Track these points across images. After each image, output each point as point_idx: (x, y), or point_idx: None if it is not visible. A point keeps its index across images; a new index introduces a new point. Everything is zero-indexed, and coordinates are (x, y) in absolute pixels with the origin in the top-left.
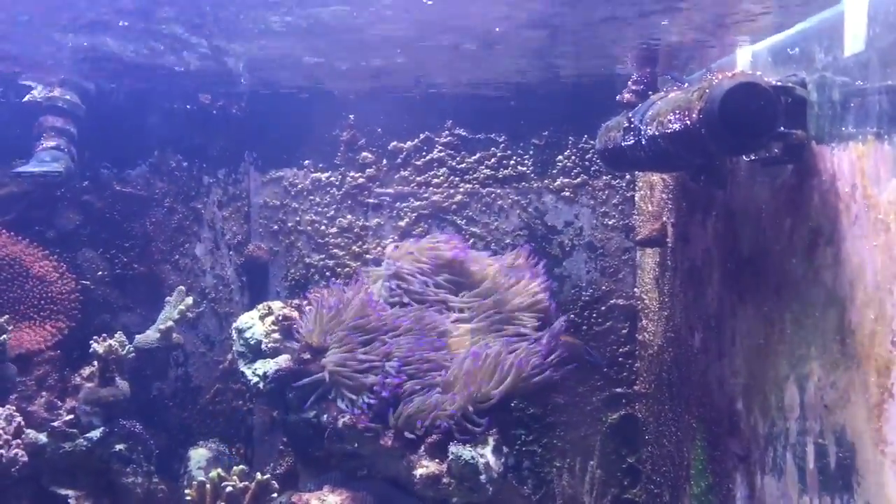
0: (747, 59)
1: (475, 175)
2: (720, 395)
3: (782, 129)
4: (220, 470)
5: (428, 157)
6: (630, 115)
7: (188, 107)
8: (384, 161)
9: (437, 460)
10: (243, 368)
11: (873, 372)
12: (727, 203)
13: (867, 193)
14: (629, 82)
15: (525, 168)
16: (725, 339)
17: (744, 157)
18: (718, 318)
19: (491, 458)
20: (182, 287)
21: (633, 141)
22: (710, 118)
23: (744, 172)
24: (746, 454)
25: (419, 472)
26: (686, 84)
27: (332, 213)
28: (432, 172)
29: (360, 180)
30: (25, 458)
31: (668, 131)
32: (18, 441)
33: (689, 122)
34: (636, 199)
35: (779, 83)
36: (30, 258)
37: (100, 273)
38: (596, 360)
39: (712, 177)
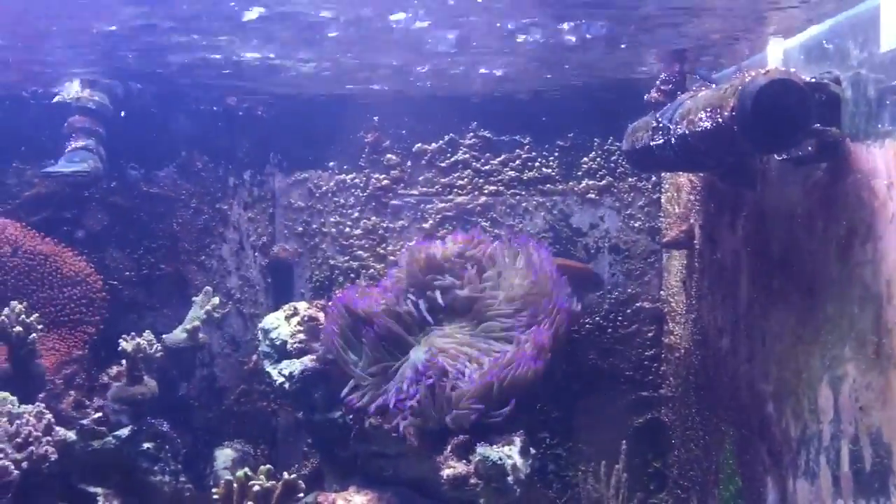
0: (779, 56)
1: (500, 177)
2: (750, 398)
3: (817, 126)
4: (247, 469)
5: (452, 159)
6: (659, 114)
7: (214, 109)
8: (409, 163)
9: (463, 461)
10: (269, 369)
11: None
12: (757, 203)
13: None
14: (657, 82)
15: (550, 170)
16: (755, 341)
17: (776, 156)
18: (748, 320)
19: (518, 460)
20: (209, 287)
21: (661, 140)
22: (743, 115)
23: (774, 172)
24: (778, 458)
25: (446, 472)
26: (715, 83)
27: (357, 214)
28: (457, 174)
29: (385, 182)
30: (55, 455)
31: (699, 129)
32: (48, 438)
33: (721, 120)
34: (662, 201)
35: (813, 80)
36: (61, 259)
37: (127, 273)
38: (599, 279)
39: (742, 177)
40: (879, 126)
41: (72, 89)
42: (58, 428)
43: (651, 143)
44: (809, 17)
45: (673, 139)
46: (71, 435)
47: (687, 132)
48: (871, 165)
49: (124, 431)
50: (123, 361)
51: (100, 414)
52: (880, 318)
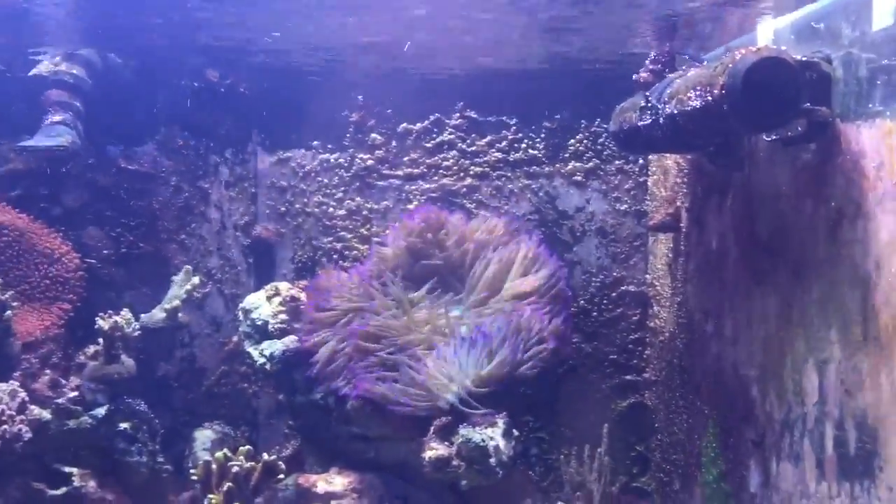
0: (769, 36)
1: (486, 158)
2: (734, 381)
3: (807, 105)
4: (226, 450)
5: (438, 140)
6: (647, 93)
7: (196, 84)
8: (394, 143)
9: (445, 443)
10: (250, 349)
11: None
12: (745, 185)
13: (894, 171)
14: (647, 61)
15: (536, 152)
16: (741, 323)
17: (765, 136)
18: (733, 303)
19: (501, 441)
20: (189, 266)
21: (650, 120)
22: (732, 93)
23: (763, 153)
24: (761, 440)
25: (428, 454)
26: (705, 62)
27: (341, 195)
28: (442, 155)
29: (370, 162)
30: (29, 434)
31: (688, 109)
32: (22, 417)
33: (710, 98)
34: (649, 184)
35: (804, 58)
36: (36, 235)
37: (105, 251)
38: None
39: (730, 158)
40: (870, 106)
41: (49, 62)
42: (32, 407)
43: (639, 124)
44: None
45: (661, 119)
46: (46, 414)
47: (676, 111)
48: (861, 146)
49: (100, 411)
50: (100, 340)
51: (76, 393)
52: (867, 299)
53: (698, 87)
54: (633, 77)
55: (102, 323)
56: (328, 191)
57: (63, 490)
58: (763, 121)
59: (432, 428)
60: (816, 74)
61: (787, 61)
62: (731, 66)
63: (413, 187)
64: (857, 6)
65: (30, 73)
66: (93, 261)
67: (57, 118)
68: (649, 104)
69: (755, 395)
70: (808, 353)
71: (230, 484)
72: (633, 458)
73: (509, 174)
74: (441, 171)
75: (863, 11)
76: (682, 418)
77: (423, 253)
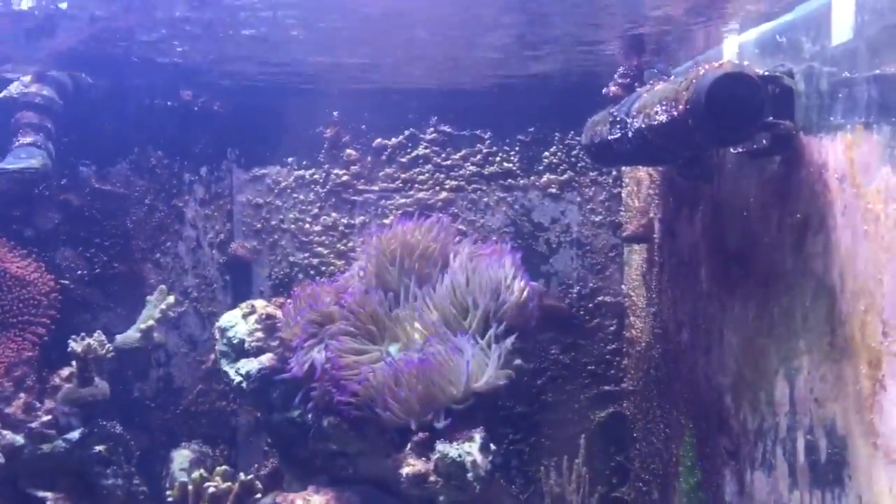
0: (734, 50)
1: (461, 172)
2: (709, 391)
3: (770, 119)
4: (202, 470)
5: (413, 154)
6: (616, 108)
7: (169, 103)
8: (369, 158)
9: (423, 458)
10: (226, 368)
11: (864, 363)
12: (714, 197)
13: (856, 183)
14: (616, 75)
15: (511, 165)
16: (713, 334)
17: (731, 149)
18: (706, 314)
19: (478, 456)
20: (163, 286)
21: (619, 134)
22: (696, 109)
23: (731, 166)
24: (736, 450)
25: (405, 470)
26: (673, 76)
27: (316, 210)
28: (417, 169)
29: (345, 178)
30: (2, 460)
31: (655, 123)
32: None
33: (675, 114)
34: (623, 195)
35: (766, 73)
36: (8, 258)
37: (79, 272)
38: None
39: (699, 170)
40: (831, 119)
41: (19, 84)
42: (4, 431)
43: (609, 137)
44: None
45: (630, 133)
46: (18, 439)
47: (643, 126)
48: (824, 158)
49: (74, 434)
50: (74, 363)
51: (50, 417)
52: (833, 309)
53: (664, 102)
54: (603, 91)
55: (75, 346)
56: (304, 207)
57: None
58: (727, 135)
59: (409, 444)
60: (779, 88)
61: (750, 76)
62: (694, 81)
63: (389, 202)
64: (817, 21)
65: None
66: (67, 282)
67: (27, 140)
68: (618, 118)
69: (729, 405)
70: (779, 363)
71: None
72: (613, 468)
73: (485, 187)
74: (416, 185)
75: (823, 26)
76: (660, 428)
77: (402, 262)
